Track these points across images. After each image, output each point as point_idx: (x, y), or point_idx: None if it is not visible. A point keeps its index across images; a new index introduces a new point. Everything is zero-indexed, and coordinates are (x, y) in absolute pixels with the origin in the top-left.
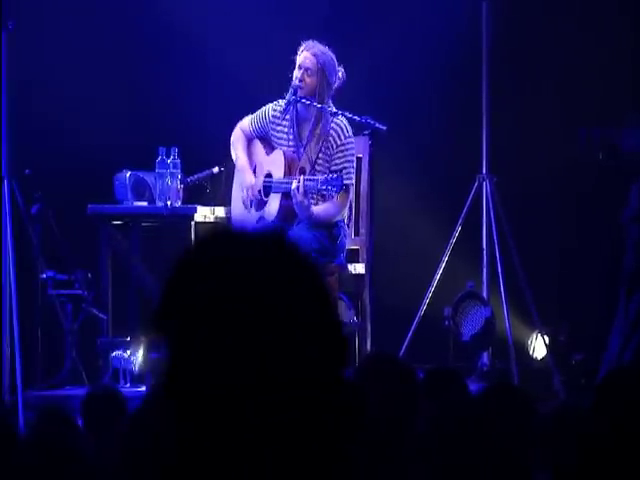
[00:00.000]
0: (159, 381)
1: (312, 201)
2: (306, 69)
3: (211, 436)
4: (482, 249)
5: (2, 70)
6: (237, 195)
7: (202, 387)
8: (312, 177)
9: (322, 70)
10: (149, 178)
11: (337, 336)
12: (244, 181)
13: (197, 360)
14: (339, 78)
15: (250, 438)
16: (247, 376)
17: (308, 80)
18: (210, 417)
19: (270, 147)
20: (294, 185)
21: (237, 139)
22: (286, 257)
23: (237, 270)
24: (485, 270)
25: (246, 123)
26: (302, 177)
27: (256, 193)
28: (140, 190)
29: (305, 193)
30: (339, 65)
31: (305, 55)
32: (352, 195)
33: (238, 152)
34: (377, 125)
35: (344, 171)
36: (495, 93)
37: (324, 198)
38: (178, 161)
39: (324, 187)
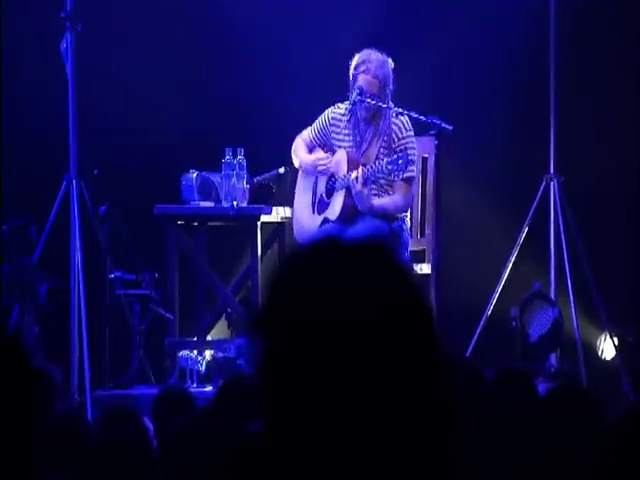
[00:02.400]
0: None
1: (374, 190)
2: (370, 92)
3: (303, 441)
4: (549, 249)
5: (71, 71)
6: (301, 204)
7: (296, 391)
8: (372, 165)
9: (384, 85)
10: (215, 178)
11: (435, 348)
12: (313, 160)
13: (294, 365)
14: (391, 69)
15: (344, 446)
16: (343, 383)
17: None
18: (303, 421)
19: (331, 153)
20: (353, 175)
21: (297, 146)
22: (387, 267)
23: (338, 278)
24: (552, 270)
25: (306, 133)
26: (360, 168)
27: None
28: (206, 190)
29: (365, 182)
30: (388, 57)
31: (365, 79)
32: (416, 188)
33: (300, 153)
34: (443, 125)
35: (407, 152)
36: (563, 91)
37: (391, 187)
38: (244, 162)
39: (388, 168)
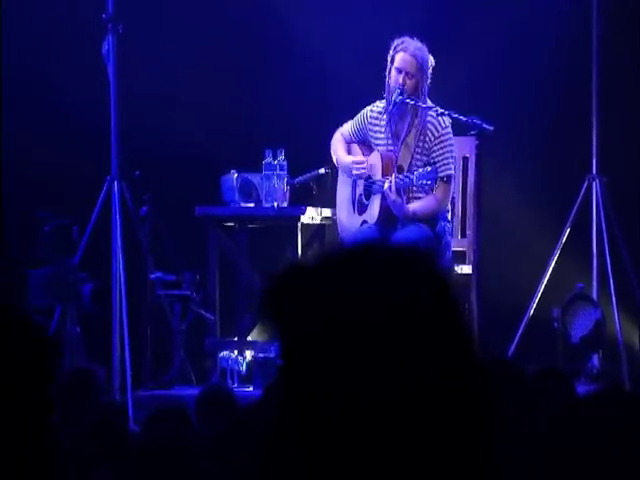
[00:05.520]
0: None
1: (411, 195)
2: (407, 73)
3: (329, 443)
4: (591, 250)
5: (112, 73)
6: (342, 198)
7: (318, 393)
8: (404, 175)
9: (421, 68)
10: (255, 179)
11: (468, 350)
12: (349, 163)
13: (316, 369)
14: (431, 65)
15: (373, 448)
16: (367, 385)
17: (409, 82)
18: (330, 425)
19: (369, 151)
20: (386, 185)
21: (336, 142)
22: (421, 272)
23: (370, 280)
24: (595, 271)
25: (346, 128)
26: (393, 176)
27: (366, 166)
28: (247, 191)
29: (398, 191)
30: (428, 53)
31: (403, 58)
32: (454, 186)
33: (338, 152)
34: (484, 125)
35: (442, 162)
36: (604, 91)
37: (426, 192)
38: (285, 162)
39: (420, 182)
